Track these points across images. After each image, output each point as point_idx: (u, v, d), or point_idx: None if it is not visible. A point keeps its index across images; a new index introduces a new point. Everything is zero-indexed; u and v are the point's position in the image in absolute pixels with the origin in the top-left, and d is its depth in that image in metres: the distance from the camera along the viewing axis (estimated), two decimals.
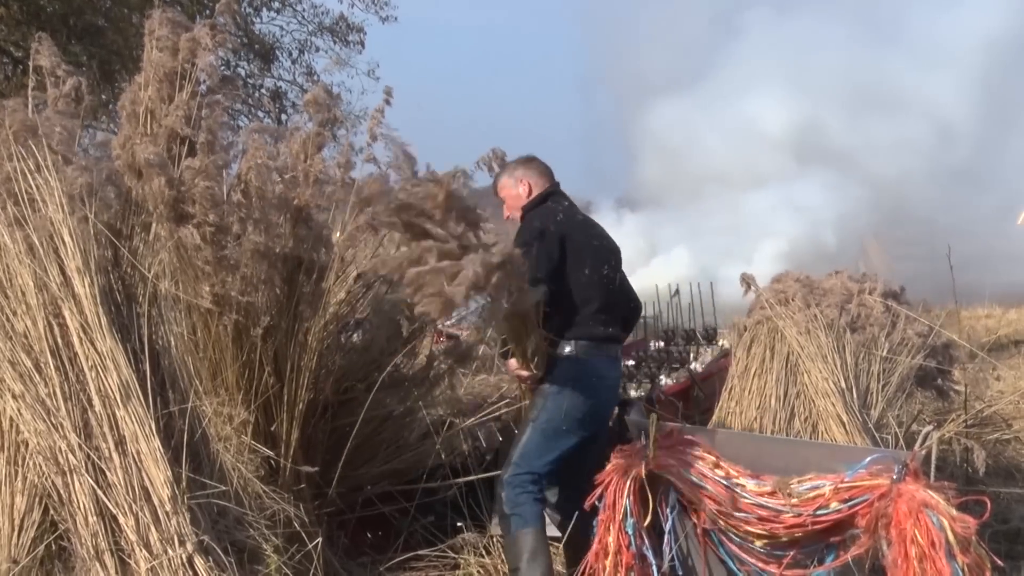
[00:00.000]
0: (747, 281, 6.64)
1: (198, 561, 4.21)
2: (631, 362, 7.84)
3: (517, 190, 5.64)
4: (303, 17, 22.45)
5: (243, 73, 20.99)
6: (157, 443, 4.37)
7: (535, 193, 5.61)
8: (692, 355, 8.30)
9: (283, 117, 20.67)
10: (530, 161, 5.78)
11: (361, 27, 22.47)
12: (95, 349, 4.48)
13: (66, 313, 4.53)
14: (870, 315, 6.49)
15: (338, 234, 5.64)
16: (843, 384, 5.68)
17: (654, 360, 8.05)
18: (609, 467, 4.85)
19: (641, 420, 4.90)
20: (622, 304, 5.57)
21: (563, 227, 5.38)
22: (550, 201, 5.58)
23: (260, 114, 20.68)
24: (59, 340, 4.51)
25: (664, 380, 7.36)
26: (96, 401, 4.42)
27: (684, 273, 15.94)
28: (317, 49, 22.55)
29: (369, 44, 22.97)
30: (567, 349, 5.25)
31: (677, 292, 10.18)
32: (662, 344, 8.43)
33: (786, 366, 5.82)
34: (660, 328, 9.55)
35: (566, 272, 5.29)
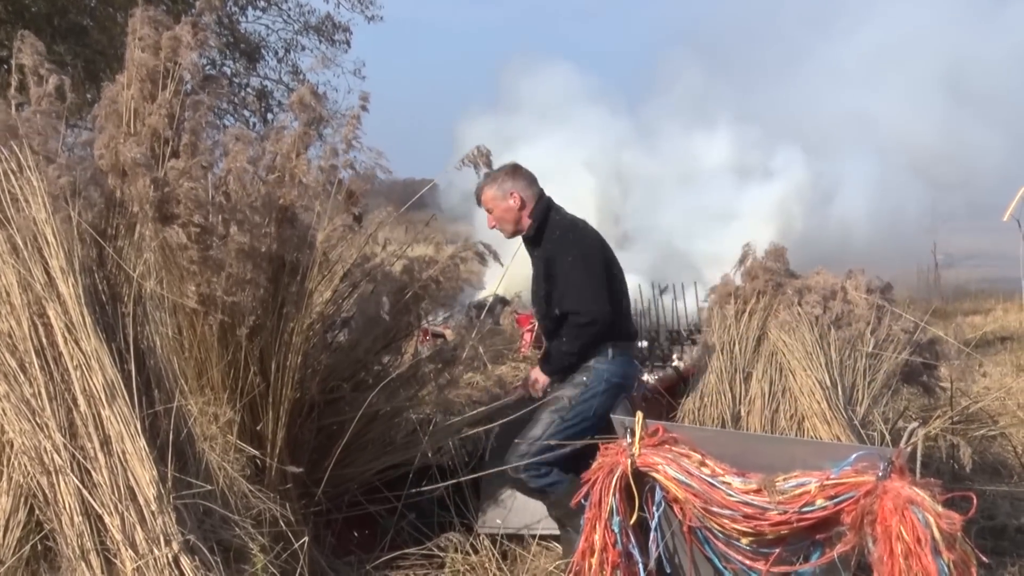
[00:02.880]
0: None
1: (184, 561, 4.20)
2: None
3: (507, 203, 5.72)
4: (289, 16, 22.45)
5: (229, 72, 20.94)
6: (142, 443, 4.36)
7: (528, 206, 5.68)
8: (675, 356, 8.26)
9: (269, 116, 20.64)
10: (516, 171, 5.82)
11: (347, 26, 22.47)
12: (80, 349, 4.47)
13: (50, 313, 4.51)
14: (853, 311, 6.50)
15: (322, 234, 5.62)
16: (828, 381, 5.69)
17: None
18: (595, 465, 4.86)
19: (626, 418, 4.90)
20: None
21: (596, 236, 5.80)
22: (553, 212, 5.67)
23: (246, 113, 20.64)
24: (44, 340, 4.49)
25: (647, 378, 7.33)
26: (81, 401, 4.40)
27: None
28: (303, 48, 22.56)
29: (355, 43, 22.98)
30: (610, 351, 5.66)
31: (663, 290, 10.08)
32: (645, 344, 8.38)
33: (771, 364, 5.83)
34: (643, 328, 9.41)
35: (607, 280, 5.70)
